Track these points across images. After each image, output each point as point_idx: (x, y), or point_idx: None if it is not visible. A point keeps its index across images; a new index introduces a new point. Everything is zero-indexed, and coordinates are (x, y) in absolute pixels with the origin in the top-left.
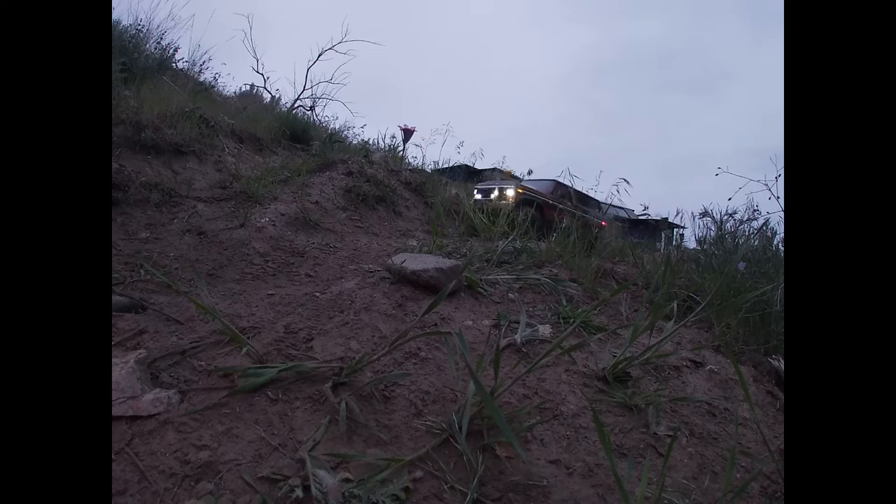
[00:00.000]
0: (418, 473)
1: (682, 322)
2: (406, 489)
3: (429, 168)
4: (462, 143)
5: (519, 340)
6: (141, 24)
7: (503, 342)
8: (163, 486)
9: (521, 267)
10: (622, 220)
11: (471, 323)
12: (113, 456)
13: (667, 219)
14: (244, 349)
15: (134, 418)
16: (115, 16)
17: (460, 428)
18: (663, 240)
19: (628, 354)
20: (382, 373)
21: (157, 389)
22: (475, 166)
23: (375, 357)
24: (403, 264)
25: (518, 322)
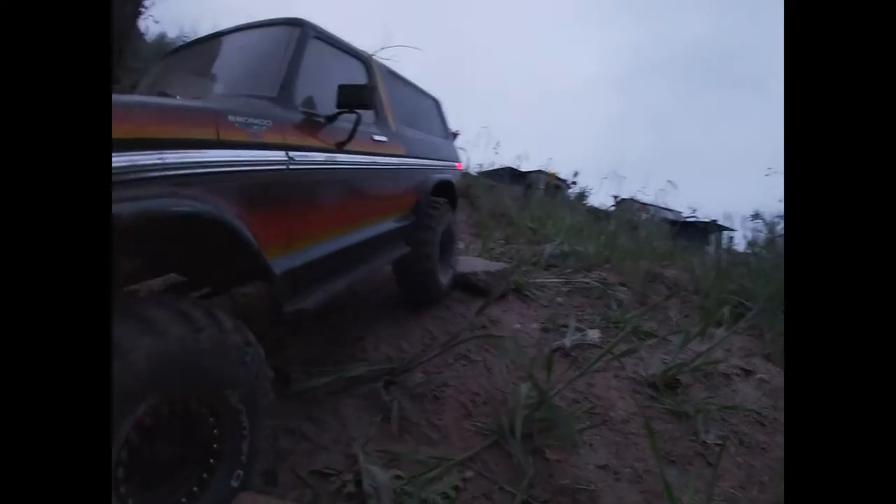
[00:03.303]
0: (468, 473)
1: (733, 329)
2: (456, 488)
3: (474, 171)
4: (499, 145)
5: (568, 344)
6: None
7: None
8: None
9: (568, 270)
10: (670, 222)
11: (519, 326)
12: None
13: (716, 221)
14: (294, 349)
15: None
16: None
17: (511, 430)
18: (713, 243)
19: (678, 361)
20: (433, 373)
21: None
22: (520, 169)
23: (426, 358)
24: None
25: (567, 326)
